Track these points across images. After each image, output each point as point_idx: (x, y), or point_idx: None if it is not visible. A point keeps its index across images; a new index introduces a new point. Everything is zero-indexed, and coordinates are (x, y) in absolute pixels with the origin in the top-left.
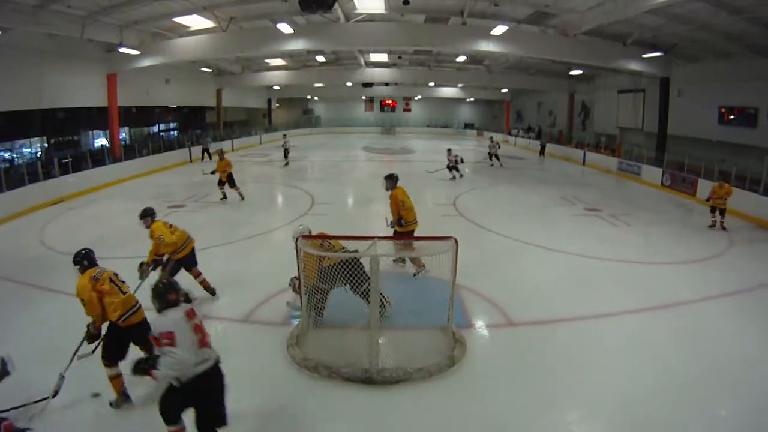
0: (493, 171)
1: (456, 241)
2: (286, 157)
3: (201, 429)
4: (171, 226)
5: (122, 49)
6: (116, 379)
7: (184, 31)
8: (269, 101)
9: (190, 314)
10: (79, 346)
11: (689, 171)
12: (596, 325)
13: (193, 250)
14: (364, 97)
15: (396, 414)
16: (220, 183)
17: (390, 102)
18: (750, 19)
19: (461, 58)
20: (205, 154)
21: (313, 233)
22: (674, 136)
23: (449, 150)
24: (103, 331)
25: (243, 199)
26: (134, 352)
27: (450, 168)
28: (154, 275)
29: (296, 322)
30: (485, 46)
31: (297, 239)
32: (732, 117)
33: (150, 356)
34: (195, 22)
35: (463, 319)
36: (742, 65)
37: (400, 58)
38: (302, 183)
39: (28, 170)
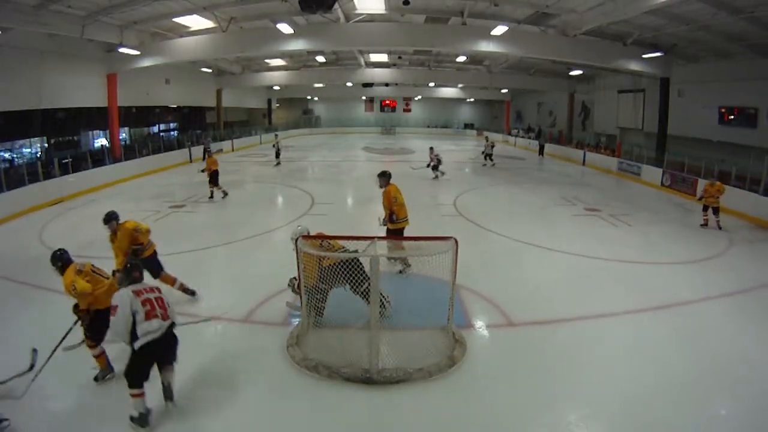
0: (493, 171)
1: (456, 241)
2: (277, 156)
3: (166, 393)
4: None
5: (122, 49)
6: (101, 356)
7: (184, 31)
8: (269, 101)
9: (139, 293)
10: (68, 332)
11: (689, 171)
12: (596, 325)
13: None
14: (364, 98)
15: (396, 414)
16: (210, 182)
17: (390, 102)
18: (750, 19)
19: (461, 59)
20: (206, 154)
21: (312, 233)
22: (674, 136)
23: (431, 149)
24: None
25: (225, 196)
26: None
27: (432, 167)
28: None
29: (296, 322)
30: (485, 47)
31: (296, 240)
32: (732, 117)
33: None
34: (195, 22)
35: (463, 319)
36: (742, 65)
37: (400, 58)
38: (302, 183)
39: (28, 170)
